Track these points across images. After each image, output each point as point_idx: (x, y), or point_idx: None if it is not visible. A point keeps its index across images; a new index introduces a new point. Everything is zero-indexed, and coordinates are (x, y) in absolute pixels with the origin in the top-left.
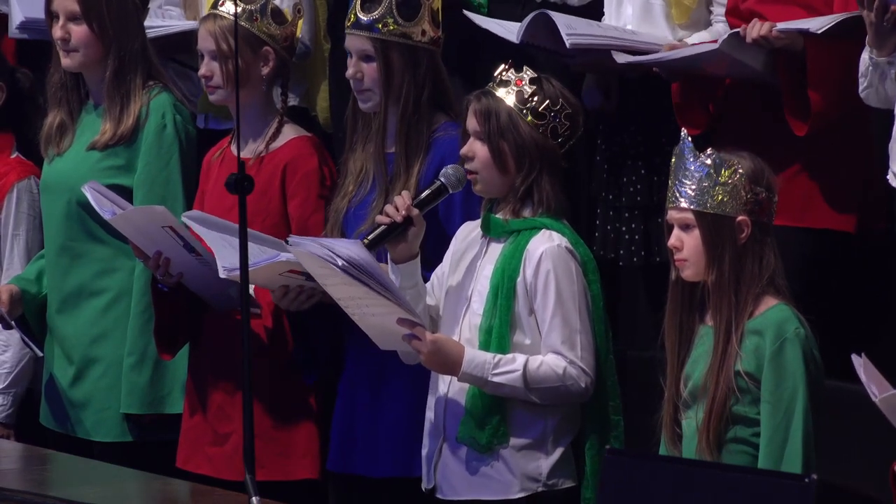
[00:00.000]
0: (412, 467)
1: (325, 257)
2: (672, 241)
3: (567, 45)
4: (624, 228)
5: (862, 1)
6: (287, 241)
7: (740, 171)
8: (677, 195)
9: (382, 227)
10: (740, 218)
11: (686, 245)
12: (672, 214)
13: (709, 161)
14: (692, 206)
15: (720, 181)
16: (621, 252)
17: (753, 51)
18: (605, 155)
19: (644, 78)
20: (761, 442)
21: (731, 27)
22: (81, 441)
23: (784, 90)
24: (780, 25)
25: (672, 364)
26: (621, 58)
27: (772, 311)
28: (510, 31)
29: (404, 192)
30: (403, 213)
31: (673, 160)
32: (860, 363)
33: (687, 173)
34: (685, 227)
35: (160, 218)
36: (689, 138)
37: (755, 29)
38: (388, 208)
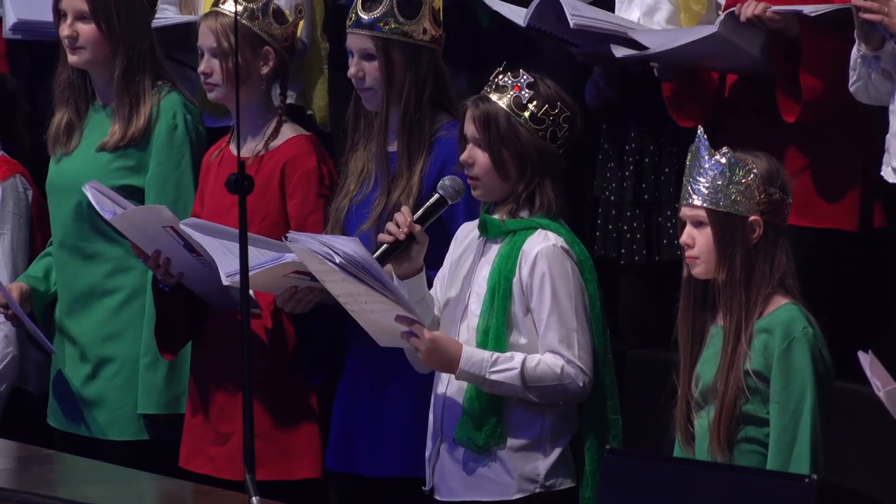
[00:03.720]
0: (415, 467)
1: (323, 254)
2: (683, 237)
3: (570, 25)
4: (625, 227)
5: None
6: (286, 238)
7: (755, 171)
8: (691, 192)
9: (386, 246)
10: (752, 218)
11: (697, 242)
12: (685, 211)
13: (724, 160)
14: (705, 204)
15: (734, 180)
16: (622, 251)
17: (750, 34)
18: (607, 153)
19: (647, 73)
20: (770, 442)
21: None
22: (88, 440)
23: (778, 76)
24: (775, 7)
25: (685, 362)
26: (619, 51)
27: (780, 311)
28: (518, 14)
29: (404, 209)
30: (405, 230)
31: (689, 157)
32: (866, 360)
33: (702, 171)
34: (697, 224)
35: (161, 218)
36: (706, 135)
37: (749, 8)
38: (390, 226)
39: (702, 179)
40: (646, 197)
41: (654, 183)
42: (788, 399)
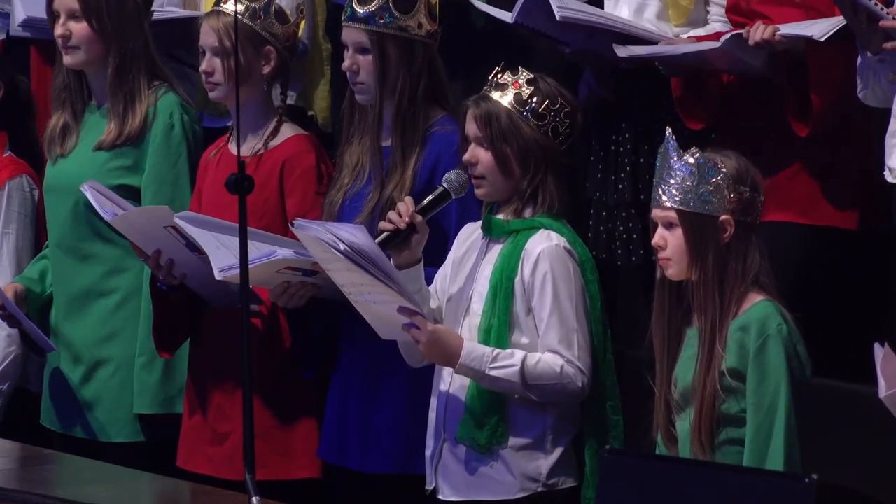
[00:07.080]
0: (407, 465)
1: (328, 242)
2: (655, 239)
3: (557, 18)
4: (622, 227)
5: (839, 5)
6: (293, 225)
7: (724, 170)
8: (661, 194)
9: (386, 234)
10: (723, 217)
11: (669, 244)
12: (656, 213)
13: (692, 160)
14: (675, 205)
15: (704, 181)
16: (619, 252)
17: (755, 50)
18: (598, 154)
19: (640, 72)
20: (746, 440)
21: (732, 24)
22: (85, 442)
23: (785, 91)
24: (784, 30)
25: (661, 364)
26: (622, 50)
27: (755, 308)
28: (505, 15)
29: (407, 199)
30: (407, 219)
31: (658, 158)
32: (880, 353)
33: (671, 172)
34: (668, 225)
35: (163, 218)
36: (674, 137)
37: (758, 32)
38: (392, 215)
39: (671, 181)
40: (642, 197)
41: (649, 183)
42: (763, 396)
